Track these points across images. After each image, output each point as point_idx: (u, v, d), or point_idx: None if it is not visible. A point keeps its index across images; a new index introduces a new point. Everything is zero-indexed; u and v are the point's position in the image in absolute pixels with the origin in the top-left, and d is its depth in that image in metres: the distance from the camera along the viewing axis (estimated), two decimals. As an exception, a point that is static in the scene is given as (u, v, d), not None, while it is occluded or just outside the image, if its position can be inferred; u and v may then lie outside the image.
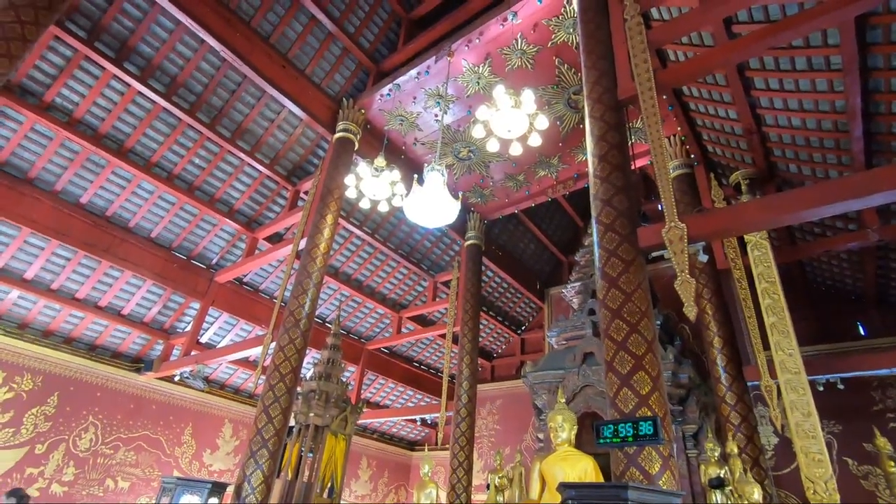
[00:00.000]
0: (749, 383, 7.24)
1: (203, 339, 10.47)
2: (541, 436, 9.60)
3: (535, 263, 14.52)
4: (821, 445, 5.66)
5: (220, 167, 9.51)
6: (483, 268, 12.22)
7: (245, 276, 10.79)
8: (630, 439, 3.27)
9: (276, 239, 10.23)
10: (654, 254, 4.43)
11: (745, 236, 7.06)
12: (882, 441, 5.94)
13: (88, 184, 8.54)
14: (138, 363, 9.91)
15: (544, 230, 13.85)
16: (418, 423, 15.17)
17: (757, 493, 5.80)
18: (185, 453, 10.33)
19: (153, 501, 8.36)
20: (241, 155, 9.29)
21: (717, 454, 6.82)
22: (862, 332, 9.16)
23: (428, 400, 14.15)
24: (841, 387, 7.12)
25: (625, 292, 3.89)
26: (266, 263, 10.13)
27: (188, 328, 10.01)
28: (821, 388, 7.01)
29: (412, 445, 15.83)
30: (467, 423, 9.79)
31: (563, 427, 7.68)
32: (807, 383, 5.95)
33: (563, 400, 8.07)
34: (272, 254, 9.30)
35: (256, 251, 10.05)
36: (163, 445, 10.04)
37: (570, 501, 2.68)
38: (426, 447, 10.04)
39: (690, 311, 3.67)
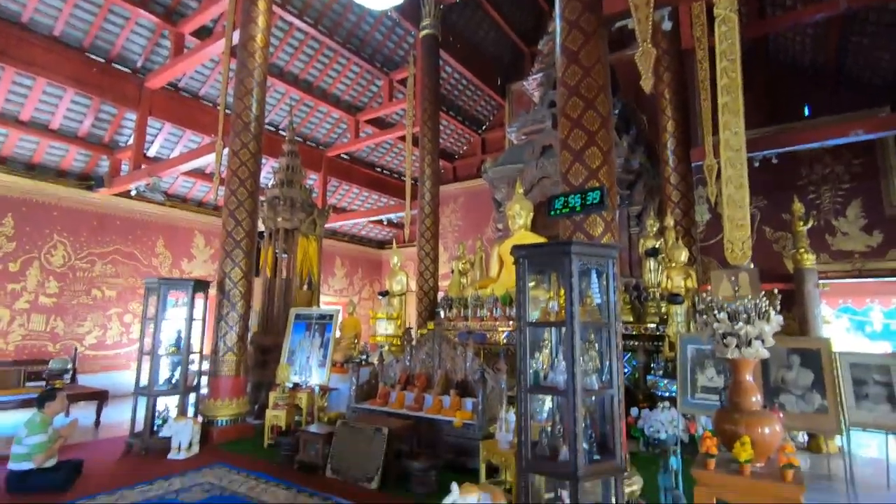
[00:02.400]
0: (693, 164, 7.70)
1: (151, 153, 9.97)
2: (500, 226, 10.33)
3: (497, 56, 13.61)
4: (745, 213, 6.31)
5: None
6: (441, 62, 11.40)
7: (180, 80, 9.79)
8: (578, 209, 3.54)
9: (205, 33, 9.00)
10: (619, 24, 4.16)
11: (715, 9, 6.65)
12: (798, 206, 6.69)
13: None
14: (87, 180, 9.54)
15: (505, 15, 12.61)
16: (385, 224, 15.97)
17: (684, 256, 6.67)
18: (162, 263, 10.77)
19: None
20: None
21: (655, 229, 7.59)
22: (807, 112, 9.49)
23: (393, 202, 14.60)
24: (775, 161, 7.66)
25: (584, 67, 3.76)
26: (199, 64, 9.11)
27: (131, 142, 9.41)
28: (757, 165, 7.54)
29: (381, 244, 16.92)
30: (431, 220, 10.33)
31: (521, 214, 8.28)
32: (745, 160, 6.33)
33: (521, 191, 8.52)
34: (203, 51, 8.29)
35: (185, 50, 8.92)
36: (138, 257, 10.38)
37: (521, 260, 2.99)
38: (394, 244, 10.70)
39: (647, 83, 3.63)
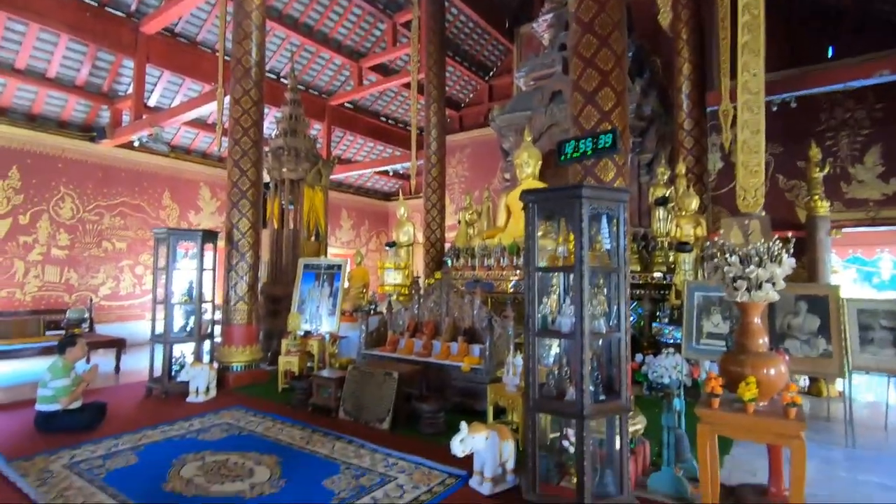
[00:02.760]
0: (708, 109, 7.44)
1: (151, 103, 9.77)
2: (507, 175, 10.18)
3: (505, -4, 12.95)
4: (760, 160, 6.15)
5: None
6: (446, 4, 10.89)
7: (176, 25, 9.44)
8: (589, 152, 3.45)
9: (198, -26, 8.58)
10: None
11: (741, -61, 6.22)
12: (815, 151, 6.50)
13: None
14: (89, 132, 9.42)
15: (515, -49, 11.89)
16: (391, 175, 15.82)
17: (695, 204, 6.58)
18: (170, 215, 10.80)
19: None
20: None
21: (665, 177, 7.45)
22: (830, 54, 9.05)
23: (399, 153, 14.37)
24: (794, 105, 7.39)
25: (598, 1, 3.55)
26: (194, 6, 8.73)
27: (130, 90, 9.21)
28: (775, 109, 7.29)
29: (387, 196, 16.81)
30: (437, 170, 10.20)
31: (529, 163, 8.12)
32: (763, 103, 6.12)
33: (530, 139, 8.33)
34: (198, -9, 7.94)
35: (179, -9, 8.53)
36: (146, 210, 10.40)
37: (530, 205, 2.95)
38: (400, 196, 10.59)
39: (665, 18, 3.44)
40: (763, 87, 6.18)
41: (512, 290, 6.69)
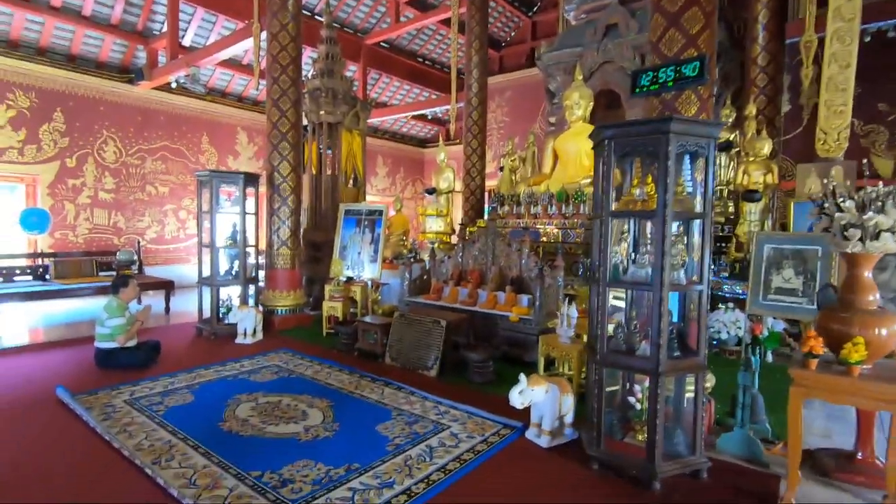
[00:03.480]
0: (787, 41, 6.66)
1: (185, 42, 9.52)
2: (552, 119, 9.62)
3: (554, -81, 11.79)
4: (847, 98, 5.52)
5: None
6: (490, -73, 9.99)
7: (205, -43, 9.02)
8: (670, 83, 3.05)
9: None
10: None
11: None
12: (913, 88, 5.76)
13: None
14: (127, 73, 9.31)
15: None
16: (429, 119, 15.32)
17: (767, 148, 6.02)
18: (209, 160, 10.80)
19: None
20: None
21: (730, 120, 6.83)
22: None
23: (436, 96, 13.81)
24: (892, 35, 6.52)
25: None
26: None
27: (165, 28, 8.96)
28: (868, 39, 6.44)
29: (423, 143, 16.39)
30: (479, 114, 9.72)
31: (579, 104, 7.57)
32: (857, 32, 5.41)
33: (580, 77, 7.73)
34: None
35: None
36: (185, 154, 10.41)
37: (605, 142, 2.64)
38: (441, 140, 10.16)
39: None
40: (859, 12, 5.44)
41: (561, 239, 6.40)
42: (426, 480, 2.63)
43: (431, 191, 8.89)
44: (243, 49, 8.71)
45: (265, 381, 4.30)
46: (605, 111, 8.38)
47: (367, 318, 5.28)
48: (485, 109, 9.81)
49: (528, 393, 2.98)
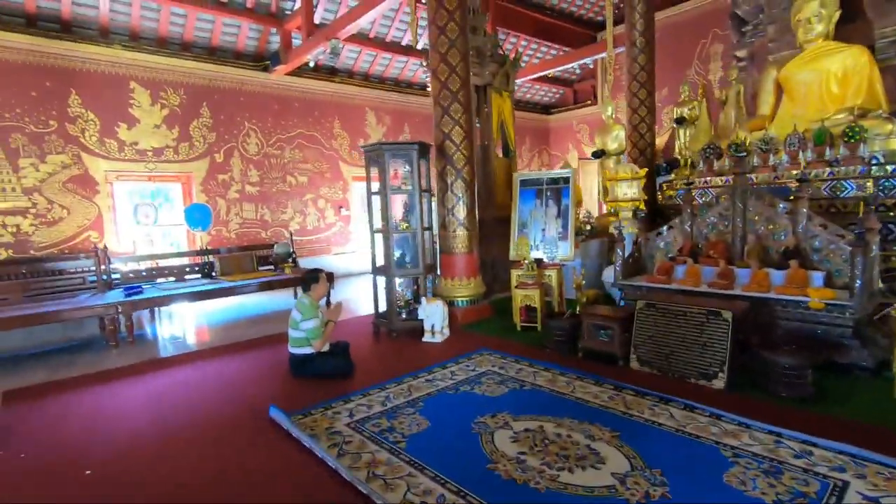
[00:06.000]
0: None
1: (316, 21, 8.97)
2: (740, 54, 7.77)
3: None
4: None
5: None
6: None
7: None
8: None
9: None
10: None
11: None
12: None
13: None
14: (262, 61, 9.01)
15: None
16: (555, 81, 13.80)
17: None
18: (341, 145, 10.34)
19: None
20: None
21: None
22: None
23: (563, 53, 12.24)
24: None
25: None
26: None
27: (297, 6, 8.46)
28: None
29: (546, 109, 14.90)
30: (646, 56, 8.08)
31: (820, 15, 5.68)
32: None
33: (818, -20, 5.85)
34: None
35: None
36: (320, 140, 10.02)
37: None
38: (605, 91, 8.61)
39: None
40: None
41: (828, 195, 4.77)
42: None
43: (600, 153, 7.56)
44: (373, 17, 7.93)
45: (497, 397, 3.37)
46: (854, 24, 6.31)
47: (598, 310, 4.16)
48: (653, 51, 8.15)
49: None
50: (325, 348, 4.00)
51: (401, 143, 5.09)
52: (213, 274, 6.79)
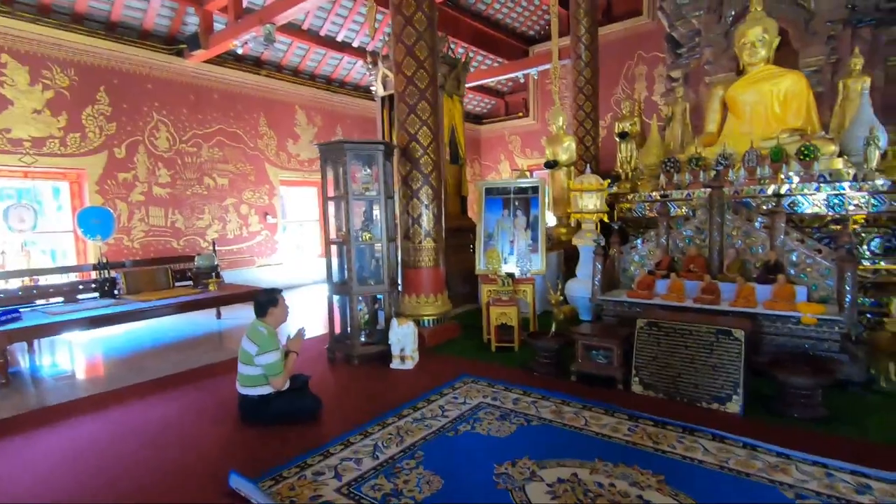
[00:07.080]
0: None
1: (245, 3, 8.00)
2: (674, 74, 8.11)
3: None
4: None
5: None
6: None
7: None
8: None
9: None
10: None
11: None
12: None
13: None
14: (176, 43, 7.82)
15: None
16: (487, 91, 13.77)
17: None
18: (268, 145, 9.35)
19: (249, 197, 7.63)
20: None
21: None
22: None
23: (498, 64, 12.24)
24: None
25: None
26: None
27: (221, -15, 7.46)
28: None
29: (479, 119, 14.85)
30: (591, 70, 8.21)
31: (763, 40, 6.02)
32: None
33: (760, 8, 6.19)
34: None
35: None
36: (243, 139, 8.95)
37: None
38: (557, 102, 8.36)
39: None
40: None
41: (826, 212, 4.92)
42: None
43: (552, 164, 7.43)
44: (303, 11, 7.18)
45: (507, 437, 2.91)
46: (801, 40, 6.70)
47: (591, 329, 3.86)
48: (597, 65, 8.29)
49: None
50: (286, 386, 3.28)
51: (365, 141, 4.48)
52: (117, 293, 5.62)
